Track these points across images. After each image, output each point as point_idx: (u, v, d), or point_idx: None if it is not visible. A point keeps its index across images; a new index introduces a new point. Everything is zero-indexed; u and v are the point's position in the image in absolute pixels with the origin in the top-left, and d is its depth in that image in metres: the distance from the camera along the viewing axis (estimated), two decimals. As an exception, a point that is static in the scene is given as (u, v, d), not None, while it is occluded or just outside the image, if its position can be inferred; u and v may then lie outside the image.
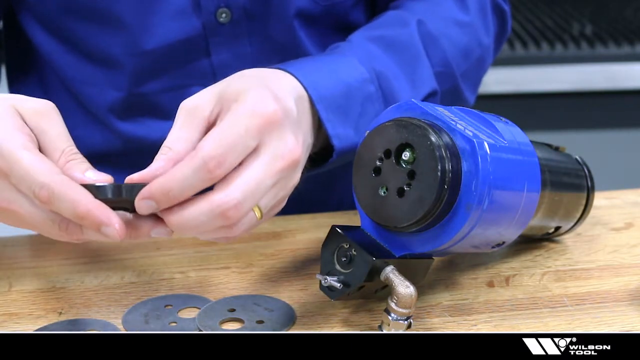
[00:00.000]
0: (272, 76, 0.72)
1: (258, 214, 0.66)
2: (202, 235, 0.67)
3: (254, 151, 0.65)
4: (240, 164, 0.65)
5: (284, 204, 0.70)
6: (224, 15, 0.88)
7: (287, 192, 0.69)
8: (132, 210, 0.65)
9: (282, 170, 0.66)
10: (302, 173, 0.70)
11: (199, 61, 0.90)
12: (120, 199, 0.64)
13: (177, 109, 0.93)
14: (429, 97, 0.86)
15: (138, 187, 0.64)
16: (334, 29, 0.95)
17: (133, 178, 0.65)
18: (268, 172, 0.65)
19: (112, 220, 0.63)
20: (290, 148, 0.67)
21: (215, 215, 0.64)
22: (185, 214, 0.64)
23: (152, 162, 0.66)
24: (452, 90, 0.90)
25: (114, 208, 0.64)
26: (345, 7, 0.94)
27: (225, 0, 0.88)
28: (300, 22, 0.91)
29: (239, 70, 0.83)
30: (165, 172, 0.64)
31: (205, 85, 0.90)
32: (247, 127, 0.65)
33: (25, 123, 0.67)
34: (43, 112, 0.68)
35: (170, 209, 0.64)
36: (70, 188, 0.63)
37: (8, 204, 0.66)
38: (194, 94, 0.92)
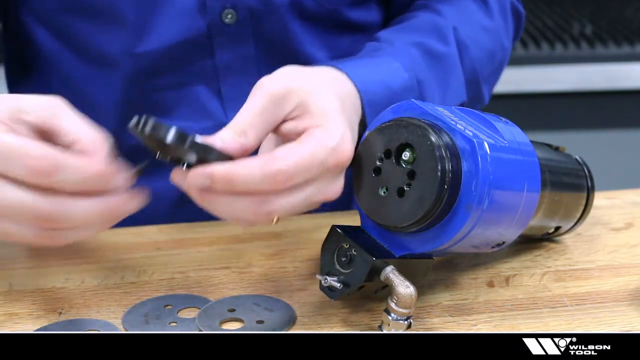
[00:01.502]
0: (337, 83, 0.74)
1: (275, 218, 0.66)
2: (236, 205, 0.65)
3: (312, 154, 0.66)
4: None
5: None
6: (229, 16, 0.88)
7: (324, 197, 0.68)
8: (174, 163, 0.65)
9: (333, 165, 0.66)
10: None
11: (202, 61, 0.90)
12: (180, 148, 0.63)
13: (178, 107, 0.93)
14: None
15: (202, 147, 0.63)
16: (335, 28, 0.95)
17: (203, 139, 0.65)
18: (319, 157, 0.65)
19: (123, 171, 0.63)
20: (345, 156, 0.67)
21: (266, 175, 0.63)
22: (236, 168, 0.63)
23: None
24: (476, 95, 0.91)
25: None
26: (346, 8, 0.95)
27: (231, 1, 0.87)
28: (303, 23, 0.92)
29: (242, 71, 0.83)
30: (231, 152, 0.64)
31: (208, 84, 0.91)
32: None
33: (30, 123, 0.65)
34: (48, 109, 0.66)
35: (232, 167, 0.63)
36: (72, 157, 0.62)
37: None
38: (196, 93, 0.92)
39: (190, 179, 0.63)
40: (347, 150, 0.67)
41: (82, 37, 0.90)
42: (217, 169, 0.63)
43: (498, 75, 0.97)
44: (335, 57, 0.95)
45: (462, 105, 0.88)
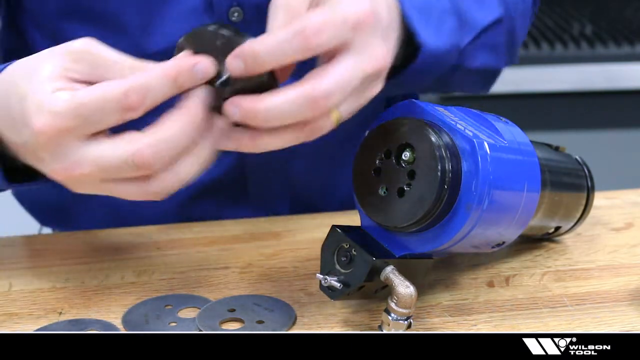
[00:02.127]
0: None
1: (335, 119, 0.65)
2: (283, 136, 0.64)
3: (345, 49, 0.64)
4: (329, 61, 0.64)
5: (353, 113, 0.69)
6: (236, 14, 0.88)
7: (365, 101, 0.67)
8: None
9: (369, 74, 0.65)
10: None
11: None
12: (214, 46, 0.63)
13: None
14: (496, 24, 0.86)
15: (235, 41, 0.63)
16: None
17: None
18: (356, 71, 0.64)
19: (200, 58, 0.63)
20: (379, 54, 0.66)
21: (304, 103, 0.62)
22: (274, 100, 0.62)
23: None
24: (510, 31, 0.89)
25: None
26: None
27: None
28: None
29: None
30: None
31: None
32: (344, 18, 0.64)
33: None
34: (83, 51, 0.66)
35: (259, 97, 0.63)
36: (147, 71, 0.63)
37: (78, 165, 0.64)
38: None
39: (229, 64, 0.63)
40: (365, 5, 0.65)
41: None
42: (244, 44, 0.62)
43: (526, 23, 0.94)
44: None
45: (500, 22, 0.86)
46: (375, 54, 0.66)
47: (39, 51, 0.91)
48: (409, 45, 0.75)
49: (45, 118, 0.63)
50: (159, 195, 0.65)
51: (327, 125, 0.65)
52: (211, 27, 0.65)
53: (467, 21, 0.82)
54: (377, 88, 0.68)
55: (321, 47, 0.63)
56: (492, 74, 0.91)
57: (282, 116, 0.63)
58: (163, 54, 0.88)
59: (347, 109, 0.66)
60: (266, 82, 0.64)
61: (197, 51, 0.65)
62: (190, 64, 0.64)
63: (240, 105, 0.63)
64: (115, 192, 0.66)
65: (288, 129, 0.65)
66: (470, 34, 0.83)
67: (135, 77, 0.63)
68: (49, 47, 0.91)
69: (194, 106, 0.64)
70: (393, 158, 0.66)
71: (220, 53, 0.64)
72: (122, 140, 0.63)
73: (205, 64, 0.64)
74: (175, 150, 0.64)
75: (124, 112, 0.63)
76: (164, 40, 0.87)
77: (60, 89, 0.64)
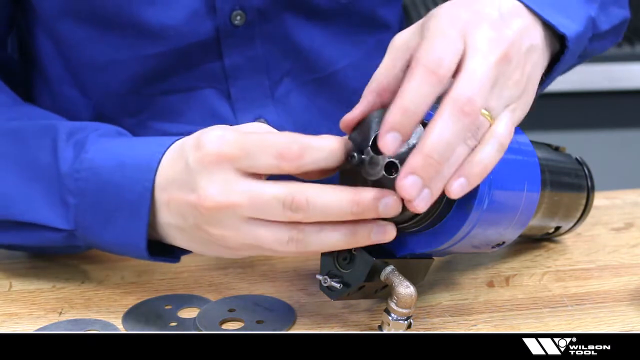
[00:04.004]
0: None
1: (489, 117, 0.64)
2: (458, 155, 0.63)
3: (464, 53, 0.64)
4: (456, 69, 0.64)
5: (524, 109, 0.68)
6: (238, 17, 0.87)
7: (511, 92, 0.67)
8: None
9: (497, 64, 0.65)
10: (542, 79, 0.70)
11: (211, 63, 0.89)
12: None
13: (188, 111, 0.92)
14: None
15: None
16: (356, 26, 0.94)
17: (346, 119, 0.65)
18: (484, 66, 0.64)
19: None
20: (494, 40, 0.65)
21: (456, 117, 0.61)
22: (432, 129, 0.61)
23: None
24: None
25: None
26: (371, 3, 0.94)
27: (240, 2, 0.87)
28: (316, 21, 0.91)
29: (251, 72, 0.81)
30: (372, 104, 0.65)
31: (216, 87, 0.90)
32: (448, 29, 0.64)
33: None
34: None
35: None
36: (312, 138, 0.64)
37: (233, 192, 0.65)
38: (205, 96, 0.91)
39: (383, 145, 0.61)
40: (459, 10, 0.66)
41: (84, 44, 0.89)
42: (387, 114, 0.62)
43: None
44: (358, 59, 0.94)
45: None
46: (492, 44, 0.65)
47: (44, 53, 0.91)
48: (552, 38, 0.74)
49: (216, 143, 0.65)
50: (295, 248, 0.65)
51: (484, 125, 0.64)
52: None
53: None
54: (514, 76, 0.67)
55: (450, 68, 0.63)
56: (623, 25, 0.90)
57: (449, 138, 0.62)
58: (162, 56, 0.88)
59: (496, 105, 0.65)
60: None
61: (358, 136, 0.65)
62: (346, 145, 0.65)
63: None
64: (257, 234, 0.66)
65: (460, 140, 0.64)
66: (594, 1, 0.82)
67: (301, 137, 0.64)
68: (51, 48, 0.91)
69: (366, 194, 0.64)
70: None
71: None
72: (281, 183, 0.65)
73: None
74: (330, 214, 0.64)
75: (282, 158, 0.64)
76: (168, 42, 0.87)
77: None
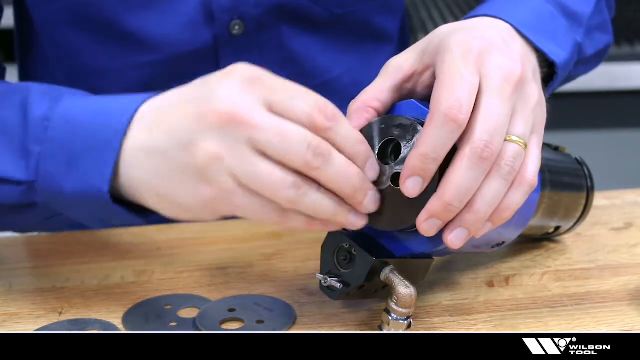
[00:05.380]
0: (474, 24, 0.71)
1: (520, 143, 0.64)
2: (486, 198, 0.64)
3: (480, 87, 0.64)
4: (473, 108, 0.64)
5: (543, 128, 0.68)
6: (237, 27, 0.87)
7: (535, 114, 0.67)
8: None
9: (512, 93, 0.65)
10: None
11: (207, 72, 0.89)
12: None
13: None
14: (599, 3, 0.86)
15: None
16: (352, 35, 0.94)
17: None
18: (500, 101, 0.64)
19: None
20: (507, 67, 0.66)
21: (474, 164, 0.62)
22: (451, 177, 0.62)
23: None
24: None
25: None
26: (367, 13, 0.94)
27: (239, 12, 0.87)
28: (312, 30, 0.91)
29: None
30: (353, 117, 0.66)
31: None
32: (464, 67, 0.64)
33: None
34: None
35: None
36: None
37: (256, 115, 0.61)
38: None
39: (405, 188, 0.63)
40: (469, 41, 0.66)
41: (82, 51, 0.89)
42: (407, 160, 0.63)
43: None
44: (353, 67, 0.94)
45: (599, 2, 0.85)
46: (505, 71, 0.65)
47: (47, 55, 0.92)
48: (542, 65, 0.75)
49: (254, 69, 0.63)
50: (294, 197, 0.62)
51: (515, 152, 0.64)
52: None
53: (574, 15, 0.81)
54: (533, 96, 0.67)
55: (468, 111, 0.63)
56: (607, 49, 0.92)
57: (469, 183, 0.63)
58: (158, 64, 0.88)
59: (524, 130, 0.65)
60: None
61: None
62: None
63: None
64: (260, 168, 0.61)
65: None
66: (580, 26, 0.83)
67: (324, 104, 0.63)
68: (52, 51, 0.91)
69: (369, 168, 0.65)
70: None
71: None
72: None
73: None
74: (339, 177, 0.63)
75: (317, 110, 0.62)
76: (165, 50, 0.87)
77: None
